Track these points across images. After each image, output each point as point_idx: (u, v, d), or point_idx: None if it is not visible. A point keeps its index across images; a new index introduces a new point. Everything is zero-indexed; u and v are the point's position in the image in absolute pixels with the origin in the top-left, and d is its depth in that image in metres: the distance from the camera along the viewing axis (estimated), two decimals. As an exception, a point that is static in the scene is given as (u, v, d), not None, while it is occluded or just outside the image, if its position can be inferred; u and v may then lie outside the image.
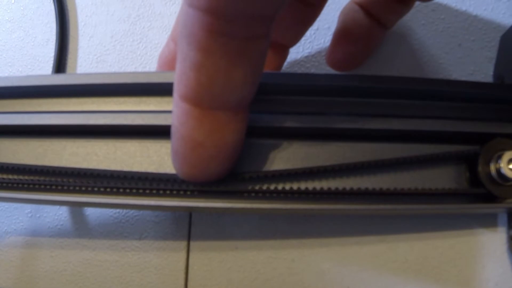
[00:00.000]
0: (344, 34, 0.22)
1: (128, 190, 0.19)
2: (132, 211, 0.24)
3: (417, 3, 0.23)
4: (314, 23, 0.21)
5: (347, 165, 0.19)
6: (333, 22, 0.24)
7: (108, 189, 0.19)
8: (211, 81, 0.14)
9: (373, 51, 0.23)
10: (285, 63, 0.24)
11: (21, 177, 0.21)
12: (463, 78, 0.23)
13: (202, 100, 0.15)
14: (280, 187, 0.19)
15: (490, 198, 0.19)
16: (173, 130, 0.16)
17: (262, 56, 0.15)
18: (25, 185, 0.20)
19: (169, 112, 0.19)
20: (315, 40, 0.25)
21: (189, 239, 0.23)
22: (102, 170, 0.20)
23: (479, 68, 0.23)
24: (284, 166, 0.19)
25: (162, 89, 0.19)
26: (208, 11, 0.13)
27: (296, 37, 0.22)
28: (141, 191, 0.19)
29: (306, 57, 0.25)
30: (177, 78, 0.15)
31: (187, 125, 0.15)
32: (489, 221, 0.21)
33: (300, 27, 0.21)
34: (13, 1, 0.29)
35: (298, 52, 0.25)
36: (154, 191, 0.19)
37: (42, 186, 0.20)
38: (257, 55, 0.14)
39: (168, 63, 0.21)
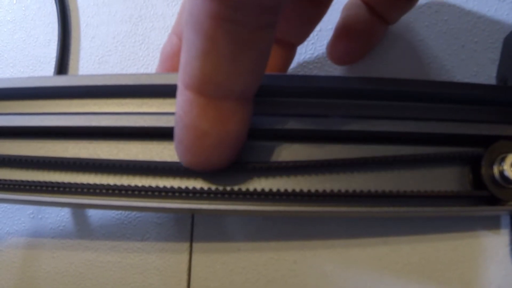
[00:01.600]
0: (346, 29, 0.22)
1: (130, 192, 0.19)
2: (134, 212, 0.24)
3: (420, 1, 0.23)
4: (321, 20, 0.21)
5: (350, 166, 0.19)
6: (335, 24, 0.24)
7: (110, 191, 0.19)
8: (216, 69, 0.14)
9: (374, 46, 0.23)
10: (287, 64, 0.24)
11: (23, 171, 0.21)
12: (466, 80, 0.23)
13: (206, 89, 0.15)
14: (282, 187, 0.19)
15: (493, 200, 0.19)
16: (177, 119, 0.16)
17: (268, 45, 0.15)
18: (27, 186, 0.20)
19: (172, 114, 0.19)
20: (318, 41, 0.25)
21: (191, 241, 0.23)
22: (105, 159, 0.19)
23: (482, 70, 0.23)
24: (287, 168, 0.19)
25: (165, 91, 0.19)
26: None
27: (303, 35, 0.22)
28: (143, 193, 0.19)
29: (309, 58, 0.25)
30: (182, 66, 0.15)
31: (191, 114, 0.15)
32: (492, 223, 0.21)
33: (307, 25, 0.21)
34: (14, 2, 0.29)
35: (300, 53, 0.24)
36: (157, 193, 0.19)
37: (44, 188, 0.20)
38: (263, 45, 0.14)
39: (171, 57, 0.21)
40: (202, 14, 0.13)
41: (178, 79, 0.16)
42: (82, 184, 0.20)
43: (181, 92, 0.15)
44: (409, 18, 0.23)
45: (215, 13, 0.13)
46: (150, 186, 0.19)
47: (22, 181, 0.20)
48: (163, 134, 0.19)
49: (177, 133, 0.16)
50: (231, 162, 0.18)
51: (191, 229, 0.23)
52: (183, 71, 0.15)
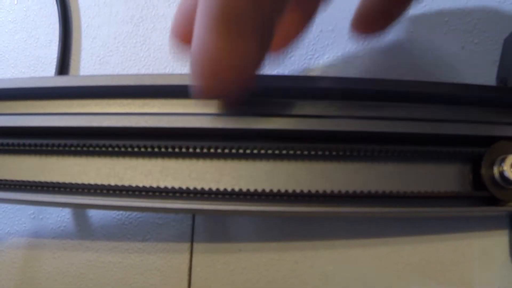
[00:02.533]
0: None
1: (131, 192, 0.19)
2: (135, 213, 0.24)
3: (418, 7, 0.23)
4: None
5: (350, 168, 0.19)
6: (336, 25, 0.24)
7: (111, 191, 0.20)
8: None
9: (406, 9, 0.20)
10: (287, 65, 0.24)
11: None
12: (466, 81, 0.23)
13: (227, 16, 0.15)
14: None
15: (493, 201, 0.19)
16: (193, 43, 0.16)
17: None
18: (28, 186, 0.20)
19: (173, 114, 0.19)
20: (319, 43, 0.25)
21: (192, 241, 0.23)
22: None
23: (482, 71, 0.23)
24: (288, 168, 0.19)
25: (166, 92, 0.19)
26: None
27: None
28: (144, 193, 0.19)
29: (310, 59, 0.25)
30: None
31: (209, 38, 0.15)
32: (492, 224, 0.21)
33: None
34: (16, 2, 0.29)
35: (301, 54, 0.25)
36: (158, 193, 0.19)
37: (45, 188, 0.20)
38: None
39: (187, 15, 0.21)
40: None
41: (197, 9, 0.15)
42: (83, 184, 0.20)
43: (198, 19, 0.15)
44: (409, 19, 0.24)
45: None
46: (151, 187, 0.19)
47: (23, 181, 0.20)
48: (164, 134, 0.19)
49: (193, 56, 0.16)
50: (248, 89, 0.17)
51: (192, 229, 0.23)
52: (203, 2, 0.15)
